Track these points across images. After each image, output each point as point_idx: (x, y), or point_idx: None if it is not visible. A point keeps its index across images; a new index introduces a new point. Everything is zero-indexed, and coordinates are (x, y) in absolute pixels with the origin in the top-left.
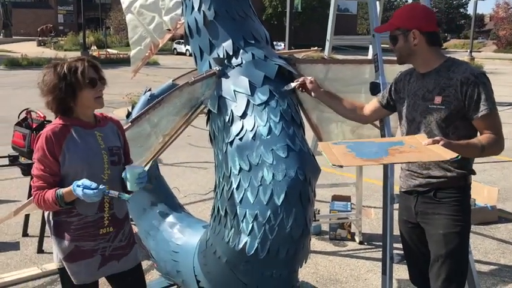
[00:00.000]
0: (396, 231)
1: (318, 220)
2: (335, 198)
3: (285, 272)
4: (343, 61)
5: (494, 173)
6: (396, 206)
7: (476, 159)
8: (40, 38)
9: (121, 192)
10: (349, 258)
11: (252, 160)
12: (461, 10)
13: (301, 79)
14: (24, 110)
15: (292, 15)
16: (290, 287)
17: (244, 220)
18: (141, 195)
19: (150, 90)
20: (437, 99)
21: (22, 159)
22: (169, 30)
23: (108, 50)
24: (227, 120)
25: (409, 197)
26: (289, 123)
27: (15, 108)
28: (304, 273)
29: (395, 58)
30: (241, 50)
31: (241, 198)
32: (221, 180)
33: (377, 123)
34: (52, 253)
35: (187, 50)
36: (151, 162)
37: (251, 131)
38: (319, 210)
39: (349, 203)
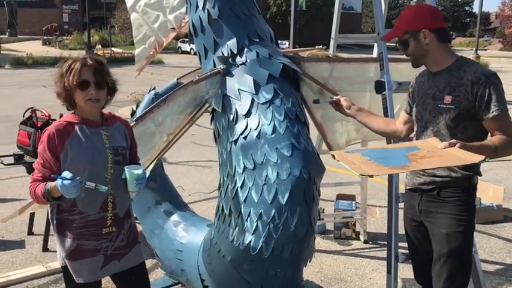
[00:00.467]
0: (401, 230)
1: (323, 219)
2: (340, 197)
3: (290, 271)
4: (348, 59)
5: (500, 172)
6: (401, 205)
7: None
8: (45, 37)
9: (98, 184)
10: (353, 257)
11: (257, 159)
12: (467, 8)
13: (335, 98)
14: (29, 108)
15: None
16: (294, 286)
17: (248, 219)
18: (145, 193)
19: (154, 89)
20: (447, 99)
21: (27, 158)
22: (173, 28)
23: (113, 49)
24: (231, 118)
25: (414, 194)
26: (293, 121)
27: (20, 107)
28: (309, 272)
29: (400, 56)
30: (246, 49)
31: (246, 197)
32: (225, 179)
33: None
34: (56, 251)
35: (191, 48)
36: (155, 161)
37: (255, 129)
38: (323, 209)
39: (353, 202)
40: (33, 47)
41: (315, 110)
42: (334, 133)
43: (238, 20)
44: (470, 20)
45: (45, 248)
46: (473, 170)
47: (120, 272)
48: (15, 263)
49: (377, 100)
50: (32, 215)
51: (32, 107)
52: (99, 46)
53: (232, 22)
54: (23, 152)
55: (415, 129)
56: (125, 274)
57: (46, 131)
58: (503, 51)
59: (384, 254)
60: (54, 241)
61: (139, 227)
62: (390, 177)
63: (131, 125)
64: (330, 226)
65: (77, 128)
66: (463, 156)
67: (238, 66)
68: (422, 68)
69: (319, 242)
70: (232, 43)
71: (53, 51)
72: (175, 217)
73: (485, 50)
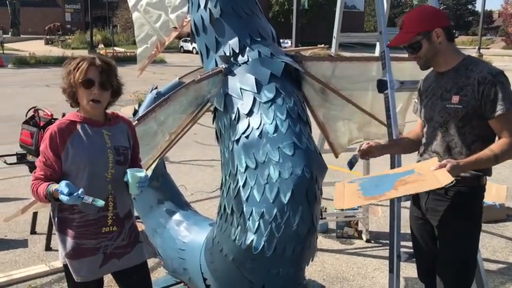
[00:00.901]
0: (403, 230)
1: (325, 218)
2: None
3: (292, 270)
4: (350, 58)
5: (503, 171)
6: (403, 204)
7: None
8: (48, 37)
9: (95, 199)
10: (356, 256)
11: (258, 158)
12: (470, 7)
13: (363, 146)
14: (32, 108)
15: (299, 13)
16: (296, 285)
17: (250, 218)
18: (148, 193)
19: (156, 88)
20: (455, 99)
21: (30, 157)
22: (175, 28)
23: (115, 48)
24: (233, 118)
25: (421, 192)
26: (295, 121)
27: (23, 106)
28: (311, 271)
29: (402, 55)
30: (248, 48)
31: (248, 196)
32: (227, 178)
33: (384, 120)
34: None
35: (194, 48)
36: (158, 160)
37: (257, 128)
38: (326, 208)
39: None
40: (36, 47)
41: (317, 109)
42: (336, 132)
43: (240, 19)
44: (473, 18)
45: (47, 247)
46: (482, 170)
47: (122, 271)
48: (18, 262)
49: (379, 99)
50: (35, 214)
51: (35, 107)
52: (101, 45)
53: (234, 21)
54: (25, 151)
55: (425, 130)
56: (126, 273)
57: (48, 130)
58: (506, 50)
59: (386, 253)
60: (56, 240)
61: (142, 226)
62: None
63: (133, 124)
64: (332, 225)
65: (79, 127)
66: (437, 177)
67: (240, 66)
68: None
69: (322, 241)
70: (234, 42)
71: (56, 51)
72: (177, 216)
73: (488, 48)
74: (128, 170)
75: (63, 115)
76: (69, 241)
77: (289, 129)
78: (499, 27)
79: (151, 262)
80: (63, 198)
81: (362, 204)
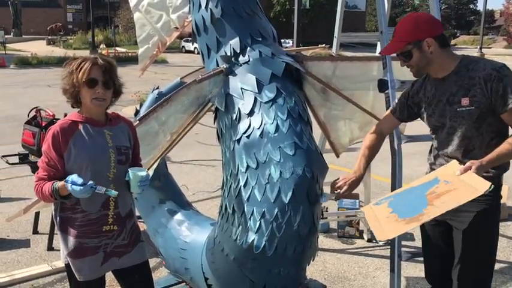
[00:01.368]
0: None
1: (326, 218)
2: (343, 195)
3: (293, 270)
4: (351, 58)
5: None
6: None
7: None
8: (49, 37)
9: (108, 189)
10: (357, 256)
11: (259, 158)
12: (471, 6)
13: (342, 191)
14: (34, 108)
15: (300, 13)
16: (298, 285)
17: (251, 218)
18: (149, 193)
19: (158, 88)
20: (465, 101)
21: (32, 158)
22: (176, 28)
23: (117, 48)
24: (234, 118)
25: None
26: (296, 120)
27: (25, 106)
28: (312, 270)
29: None
30: (249, 48)
31: (249, 196)
32: (228, 177)
33: None
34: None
35: (195, 48)
36: (159, 160)
37: (258, 128)
38: (327, 208)
39: (357, 201)
40: (38, 47)
41: (318, 109)
42: (337, 132)
43: (241, 19)
44: (475, 18)
45: (50, 247)
46: (503, 167)
47: (123, 271)
48: (21, 261)
49: (380, 99)
50: (37, 214)
51: (37, 107)
52: (103, 46)
53: (235, 21)
54: (27, 152)
55: (435, 136)
56: (128, 273)
57: (50, 130)
58: (507, 49)
59: (388, 252)
60: (58, 240)
61: (143, 226)
62: (393, 176)
63: (135, 124)
64: (333, 225)
65: (81, 127)
66: (473, 185)
67: (241, 66)
68: None
69: (323, 241)
70: (235, 42)
71: (58, 51)
72: (179, 216)
73: (490, 48)
74: (129, 169)
75: (65, 115)
76: (71, 240)
77: (290, 129)
78: (501, 27)
79: (153, 262)
80: (76, 188)
81: (406, 230)
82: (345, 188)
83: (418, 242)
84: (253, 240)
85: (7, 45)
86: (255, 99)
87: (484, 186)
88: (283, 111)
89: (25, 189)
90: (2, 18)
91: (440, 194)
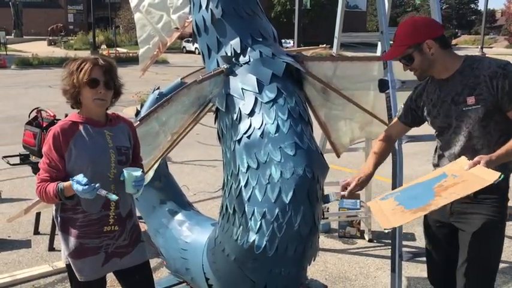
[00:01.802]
0: (405, 229)
1: (327, 218)
2: (344, 196)
3: (294, 270)
4: (351, 58)
5: None
6: None
7: None
8: (50, 38)
9: (109, 192)
10: (358, 256)
11: (260, 158)
12: (472, 6)
13: (351, 187)
14: (35, 109)
15: (301, 13)
16: (298, 285)
17: (252, 218)
18: (150, 193)
19: (158, 88)
20: (470, 100)
21: (33, 158)
22: (177, 28)
23: (118, 48)
24: (235, 118)
25: None
26: (297, 120)
27: (26, 107)
28: (313, 270)
29: None
30: (249, 48)
31: (250, 196)
32: (229, 178)
33: (386, 119)
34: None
35: (196, 48)
36: (160, 160)
37: (259, 128)
38: (328, 208)
39: (358, 201)
40: (39, 48)
41: (318, 109)
42: (338, 132)
43: (241, 19)
44: (476, 17)
45: (51, 248)
46: (510, 166)
47: (124, 271)
48: (22, 262)
49: (381, 99)
50: (38, 214)
51: (38, 107)
52: (104, 46)
53: (236, 22)
54: (28, 152)
55: (440, 137)
56: (129, 273)
57: (51, 130)
58: (509, 49)
59: (389, 252)
60: (59, 240)
61: (144, 227)
62: (394, 176)
63: (135, 124)
64: (334, 225)
65: (81, 127)
66: (481, 176)
67: (241, 66)
68: None
69: (324, 241)
70: (235, 42)
71: (59, 52)
72: (179, 216)
73: (491, 47)
74: (124, 169)
75: (66, 116)
76: (72, 241)
77: (291, 129)
78: (502, 26)
79: (153, 262)
80: (79, 187)
81: (412, 219)
82: (353, 184)
83: (419, 242)
84: (254, 241)
85: (8, 45)
86: (256, 99)
87: (493, 176)
88: (283, 112)
89: (26, 190)
90: (3, 18)
91: (448, 187)
